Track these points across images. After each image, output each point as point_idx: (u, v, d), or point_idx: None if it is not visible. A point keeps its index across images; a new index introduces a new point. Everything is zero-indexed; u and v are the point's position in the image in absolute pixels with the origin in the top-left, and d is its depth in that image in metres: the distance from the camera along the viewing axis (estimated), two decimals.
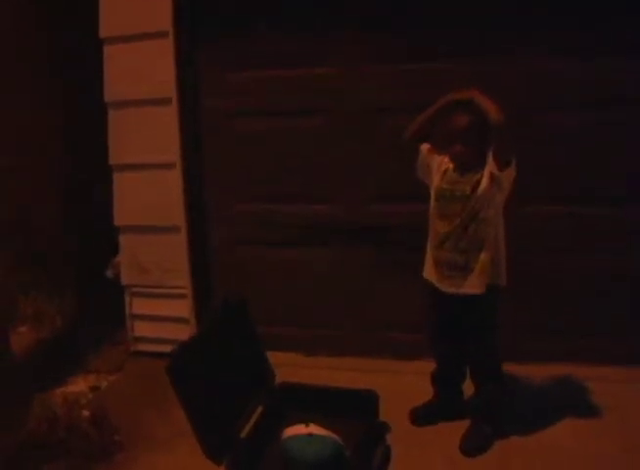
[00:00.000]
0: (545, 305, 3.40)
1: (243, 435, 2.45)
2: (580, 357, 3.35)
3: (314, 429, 2.31)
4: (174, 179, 3.65)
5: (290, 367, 2.84)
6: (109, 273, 3.90)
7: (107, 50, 3.64)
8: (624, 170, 3.26)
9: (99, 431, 3.01)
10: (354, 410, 2.55)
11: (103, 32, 3.62)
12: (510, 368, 3.03)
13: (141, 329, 3.88)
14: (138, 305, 3.87)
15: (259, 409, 2.59)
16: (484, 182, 2.66)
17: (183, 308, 3.78)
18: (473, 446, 2.82)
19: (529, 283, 3.30)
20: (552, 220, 3.38)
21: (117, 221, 3.78)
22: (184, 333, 3.62)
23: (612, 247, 3.33)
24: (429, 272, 2.86)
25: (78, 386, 3.53)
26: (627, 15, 3.13)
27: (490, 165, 2.65)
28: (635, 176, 3.25)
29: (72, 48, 3.99)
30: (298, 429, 2.32)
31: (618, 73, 3.19)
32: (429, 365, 3.04)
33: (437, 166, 2.81)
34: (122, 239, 3.82)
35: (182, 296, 3.77)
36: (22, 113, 4.03)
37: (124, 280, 3.85)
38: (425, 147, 2.85)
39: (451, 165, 2.77)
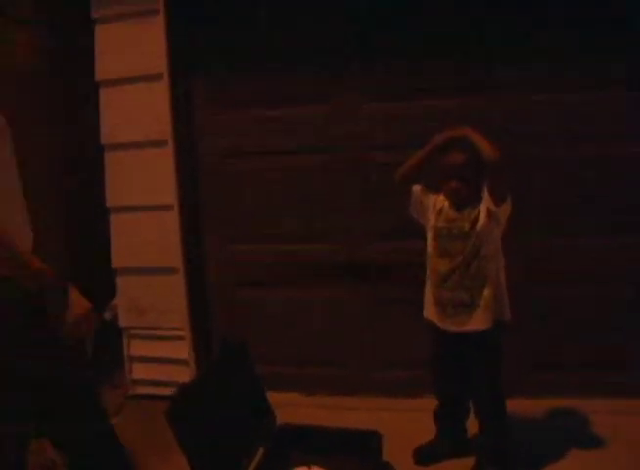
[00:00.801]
0: (549, 337, 3.39)
1: None
2: (588, 390, 3.33)
3: None
4: (172, 220, 3.65)
5: (291, 407, 2.82)
6: (106, 315, 3.87)
7: (102, 93, 3.67)
8: (623, 200, 3.28)
9: None
10: (357, 451, 2.53)
11: (98, 76, 3.65)
12: (516, 402, 2.99)
13: (140, 371, 3.85)
14: (136, 347, 3.85)
15: (261, 452, 2.57)
16: (482, 218, 2.67)
17: (182, 350, 3.74)
18: None
19: (533, 316, 3.30)
20: (553, 252, 3.38)
21: (115, 263, 3.77)
22: (183, 375, 3.59)
23: (614, 276, 3.33)
24: (430, 312, 2.85)
25: None
26: (613, 52, 3.19)
27: (487, 201, 2.66)
28: (634, 206, 3.26)
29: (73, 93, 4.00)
30: None
31: (615, 107, 3.24)
32: (431, 402, 3.01)
33: (433, 205, 2.82)
34: (120, 281, 3.81)
35: (180, 337, 3.74)
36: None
37: (122, 322, 3.83)
38: (417, 187, 2.85)
39: (446, 203, 2.77)
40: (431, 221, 2.81)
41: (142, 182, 3.65)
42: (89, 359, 2.32)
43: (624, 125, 3.25)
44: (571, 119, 3.28)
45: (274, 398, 2.78)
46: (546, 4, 3.23)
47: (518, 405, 3.05)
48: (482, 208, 2.68)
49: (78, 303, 2.09)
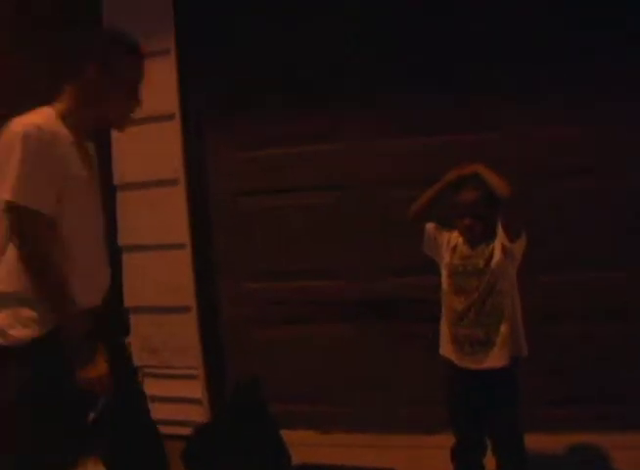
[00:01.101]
0: (567, 372, 3.37)
1: None
2: (606, 425, 3.29)
3: None
4: (184, 259, 3.66)
5: (306, 446, 2.80)
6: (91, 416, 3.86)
7: (114, 133, 3.69)
8: (636, 235, 3.27)
9: None
10: None
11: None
12: (534, 438, 2.94)
13: (154, 411, 3.81)
14: (150, 386, 3.81)
15: None
16: (497, 255, 2.67)
17: (195, 389, 3.72)
18: None
19: (550, 350, 3.28)
20: (576, 287, 3.37)
21: (128, 302, 3.77)
22: (197, 414, 3.57)
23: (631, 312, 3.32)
24: (446, 350, 2.83)
25: None
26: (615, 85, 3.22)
27: (501, 237, 2.66)
28: None
29: None
30: None
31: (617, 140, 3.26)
32: (448, 439, 2.98)
33: (447, 242, 2.82)
34: (133, 319, 3.80)
35: (194, 376, 3.72)
36: None
37: (136, 361, 3.81)
38: (430, 225, 2.86)
39: (460, 240, 2.78)
40: (445, 259, 2.81)
41: (154, 221, 3.67)
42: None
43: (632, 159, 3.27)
44: (583, 153, 3.30)
45: (289, 436, 2.76)
46: (555, 41, 3.28)
47: (536, 441, 3.00)
48: (497, 244, 2.68)
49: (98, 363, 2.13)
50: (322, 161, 3.59)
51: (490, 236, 2.70)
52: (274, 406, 2.78)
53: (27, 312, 2.10)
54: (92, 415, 2.18)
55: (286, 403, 3.35)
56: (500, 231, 2.67)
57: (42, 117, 2.12)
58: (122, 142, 3.66)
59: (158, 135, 3.63)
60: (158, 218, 3.66)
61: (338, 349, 3.62)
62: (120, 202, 3.73)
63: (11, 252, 2.10)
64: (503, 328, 2.68)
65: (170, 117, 3.61)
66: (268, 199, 3.67)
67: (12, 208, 2.04)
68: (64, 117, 2.17)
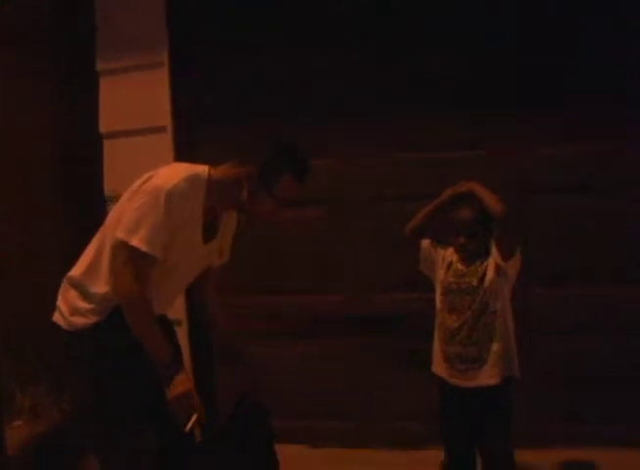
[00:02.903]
0: (559, 389, 3.38)
1: None
2: (596, 442, 3.31)
3: None
4: None
5: (298, 460, 2.78)
6: None
7: (106, 144, 3.68)
8: (631, 250, 3.32)
9: None
10: None
11: (103, 128, 3.66)
12: (525, 454, 2.96)
13: None
14: None
15: None
16: (490, 273, 2.67)
17: None
18: None
19: (542, 367, 3.31)
20: (562, 303, 3.40)
21: None
22: None
23: (625, 327, 3.35)
24: (438, 367, 2.83)
25: None
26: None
27: (495, 256, 2.67)
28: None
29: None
30: None
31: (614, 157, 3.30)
32: (438, 455, 2.98)
33: (442, 259, 2.82)
34: None
35: None
36: None
37: None
38: (426, 242, 2.87)
39: (455, 257, 2.78)
40: (440, 276, 2.81)
41: None
42: None
43: (625, 175, 3.31)
44: (574, 170, 3.34)
45: (280, 450, 2.73)
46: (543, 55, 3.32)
47: (529, 457, 3.04)
48: (491, 262, 2.68)
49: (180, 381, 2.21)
50: (318, 174, 3.55)
51: (485, 254, 2.71)
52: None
53: (86, 305, 2.28)
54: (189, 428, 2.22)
55: (278, 418, 3.34)
56: (494, 250, 2.68)
57: (190, 178, 2.22)
58: (114, 153, 3.66)
59: (150, 146, 3.60)
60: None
61: (330, 363, 3.62)
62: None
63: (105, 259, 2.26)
64: (495, 347, 2.69)
65: (162, 129, 3.61)
66: None
67: (126, 246, 2.15)
68: (211, 183, 2.27)
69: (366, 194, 3.56)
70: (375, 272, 3.55)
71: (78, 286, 2.32)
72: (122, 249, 2.16)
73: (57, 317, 2.39)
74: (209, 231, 2.37)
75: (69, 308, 2.34)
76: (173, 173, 2.23)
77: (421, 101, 3.42)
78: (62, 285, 2.41)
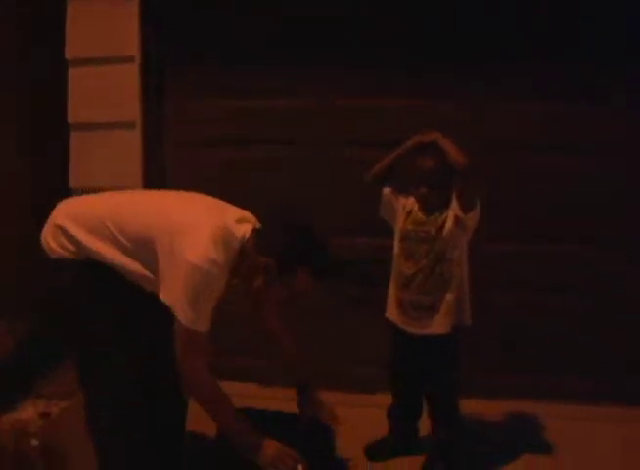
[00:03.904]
0: (510, 341, 3.46)
1: None
2: (543, 394, 3.41)
3: None
4: None
5: (246, 398, 2.80)
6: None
7: (72, 73, 3.59)
8: (592, 210, 3.36)
9: (48, 462, 2.92)
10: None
11: (69, 54, 3.57)
12: (471, 403, 3.05)
13: None
14: None
15: None
16: (449, 224, 2.70)
17: None
18: None
19: (494, 320, 3.37)
20: (518, 259, 3.44)
21: None
22: None
23: (579, 286, 3.42)
24: (392, 313, 2.88)
25: (27, 412, 3.39)
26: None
27: (454, 208, 2.69)
28: (603, 215, 3.36)
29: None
30: None
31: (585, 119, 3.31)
32: (385, 399, 3.06)
33: (402, 207, 2.84)
34: None
35: None
36: None
37: None
38: (387, 190, 2.88)
39: (416, 206, 2.80)
40: (399, 223, 2.84)
41: (108, 164, 3.59)
42: None
43: (593, 138, 3.33)
44: (540, 129, 3.35)
45: (228, 387, 2.75)
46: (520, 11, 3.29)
47: (474, 406, 3.13)
48: (450, 213, 2.71)
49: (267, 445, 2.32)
50: (279, 116, 3.56)
51: (445, 205, 2.73)
52: (215, 358, 2.77)
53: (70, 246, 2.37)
54: None
55: (227, 355, 3.37)
56: (454, 202, 2.70)
57: (226, 251, 2.24)
58: (80, 82, 3.58)
59: (115, 79, 3.55)
60: (111, 162, 3.58)
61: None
62: (74, 143, 3.64)
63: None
64: (449, 296, 2.74)
65: (130, 58, 3.53)
66: (225, 151, 3.62)
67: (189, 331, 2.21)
68: (243, 247, 2.29)
69: (334, 137, 3.54)
70: (334, 216, 3.54)
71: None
72: (186, 334, 2.23)
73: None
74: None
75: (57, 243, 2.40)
76: (205, 243, 2.21)
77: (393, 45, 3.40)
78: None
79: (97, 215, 2.39)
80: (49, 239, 2.42)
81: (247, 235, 2.30)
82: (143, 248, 2.31)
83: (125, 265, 2.35)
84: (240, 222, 2.32)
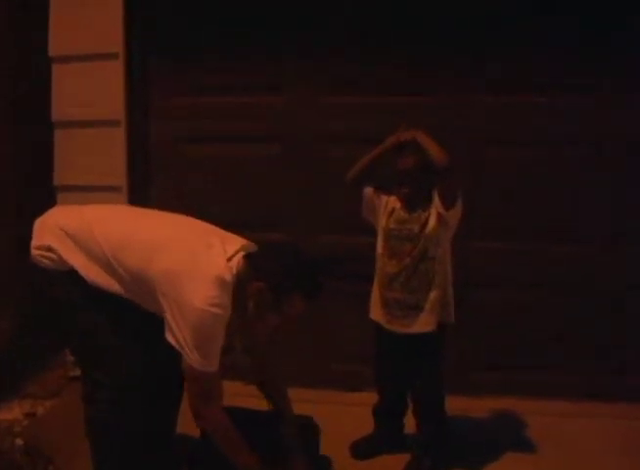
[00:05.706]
0: (494, 339, 3.47)
1: None
2: (527, 391, 3.43)
3: None
4: (120, 202, 3.57)
5: (229, 397, 2.80)
6: None
7: (55, 70, 3.57)
8: (579, 209, 3.37)
9: (32, 462, 2.92)
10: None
11: (52, 51, 3.55)
12: (455, 401, 3.04)
13: None
14: None
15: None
16: (432, 221, 2.70)
17: None
18: None
19: (478, 318, 3.38)
20: (503, 256, 3.44)
21: None
22: None
23: (564, 283, 3.43)
24: (376, 313, 2.87)
25: (12, 412, 3.40)
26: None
27: (437, 205, 2.69)
28: (590, 215, 3.37)
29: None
30: None
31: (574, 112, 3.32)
32: (371, 397, 3.05)
33: (384, 206, 2.84)
34: None
35: None
36: None
37: None
38: (369, 190, 2.87)
39: (398, 205, 2.80)
40: (382, 222, 2.83)
41: (91, 162, 3.56)
42: None
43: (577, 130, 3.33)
44: (525, 122, 3.35)
45: None
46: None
47: (458, 404, 3.12)
48: (433, 211, 2.70)
49: None
50: (262, 112, 3.56)
51: (427, 203, 2.73)
52: None
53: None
54: None
55: None
56: (436, 199, 2.69)
57: (224, 288, 2.23)
58: (63, 80, 3.56)
59: (100, 76, 3.52)
60: (95, 160, 3.57)
61: None
62: (58, 141, 3.61)
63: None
64: (433, 294, 2.73)
65: (114, 56, 3.50)
66: (209, 147, 3.60)
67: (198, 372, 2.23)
68: (235, 285, 2.27)
69: (317, 133, 3.53)
70: (316, 213, 3.56)
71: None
72: (198, 380, 2.26)
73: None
74: None
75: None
76: (205, 285, 2.20)
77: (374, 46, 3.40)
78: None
79: (97, 242, 2.37)
80: (42, 259, 2.42)
81: (240, 265, 2.30)
82: (141, 284, 2.32)
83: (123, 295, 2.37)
84: (231, 254, 2.32)
